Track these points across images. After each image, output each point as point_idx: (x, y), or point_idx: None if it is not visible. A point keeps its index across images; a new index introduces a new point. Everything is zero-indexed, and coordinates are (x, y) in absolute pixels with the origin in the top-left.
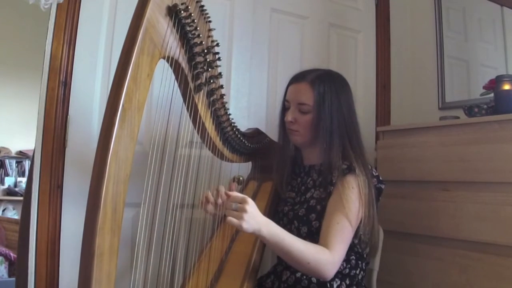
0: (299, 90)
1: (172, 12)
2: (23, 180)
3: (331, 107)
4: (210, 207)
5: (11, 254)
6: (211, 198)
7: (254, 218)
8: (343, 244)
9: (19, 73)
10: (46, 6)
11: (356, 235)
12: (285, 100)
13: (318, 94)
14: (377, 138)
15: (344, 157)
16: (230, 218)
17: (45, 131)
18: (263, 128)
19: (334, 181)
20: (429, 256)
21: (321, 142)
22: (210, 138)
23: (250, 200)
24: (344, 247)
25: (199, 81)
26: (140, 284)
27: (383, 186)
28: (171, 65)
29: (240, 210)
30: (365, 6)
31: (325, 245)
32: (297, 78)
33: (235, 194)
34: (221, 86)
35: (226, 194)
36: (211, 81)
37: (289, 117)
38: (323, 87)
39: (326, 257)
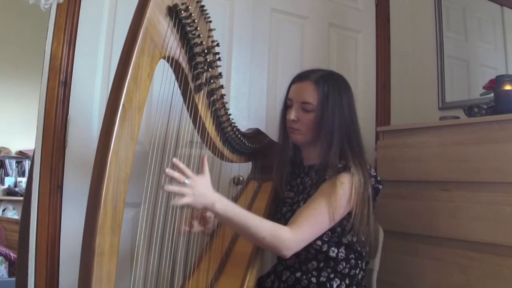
0: (303, 89)
1: (173, 12)
2: (23, 180)
3: (334, 107)
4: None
5: (11, 254)
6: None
7: (203, 196)
8: (310, 228)
9: (19, 73)
10: (46, 6)
11: (354, 233)
12: (287, 98)
13: (322, 93)
14: (377, 138)
15: (342, 156)
16: (175, 200)
17: (45, 131)
18: (263, 128)
19: (326, 178)
20: (429, 256)
21: (321, 141)
22: (210, 138)
23: (200, 176)
24: (311, 231)
25: (199, 81)
26: (140, 284)
27: (380, 187)
28: (171, 65)
29: (188, 187)
30: (365, 6)
31: (291, 223)
32: (301, 77)
33: (184, 167)
34: (221, 86)
35: (174, 163)
36: (211, 81)
37: (292, 115)
38: (327, 87)
39: (284, 232)
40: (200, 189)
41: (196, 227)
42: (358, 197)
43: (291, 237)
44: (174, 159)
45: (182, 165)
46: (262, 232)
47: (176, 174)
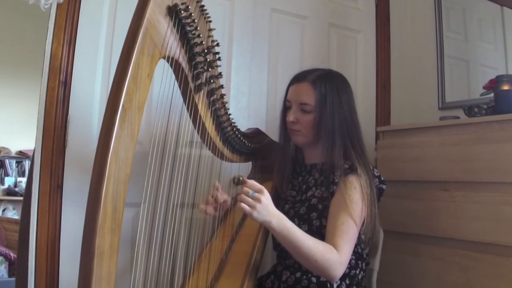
0: (300, 90)
1: (172, 12)
2: (23, 180)
3: (332, 107)
4: (210, 209)
5: (11, 254)
6: (211, 200)
7: (266, 209)
8: (349, 245)
9: (19, 73)
10: (46, 6)
11: (360, 235)
12: (286, 100)
13: (319, 94)
14: (377, 138)
15: (346, 156)
16: (243, 205)
17: (45, 131)
18: (263, 128)
19: (336, 180)
20: (429, 256)
21: (322, 141)
22: (210, 138)
23: (266, 192)
24: (350, 247)
25: (199, 81)
26: (140, 284)
27: (384, 187)
28: (171, 65)
29: (255, 199)
30: (365, 6)
31: (332, 245)
32: (298, 78)
33: (253, 182)
34: (221, 86)
35: (243, 180)
36: (211, 81)
37: (291, 117)
38: (324, 87)
39: (334, 257)
40: (264, 203)
41: (213, 209)
42: (367, 198)
43: (340, 259)
44: (242, 177)
45: (251, 181)
46: (314, 254)
47: (254, 188)
